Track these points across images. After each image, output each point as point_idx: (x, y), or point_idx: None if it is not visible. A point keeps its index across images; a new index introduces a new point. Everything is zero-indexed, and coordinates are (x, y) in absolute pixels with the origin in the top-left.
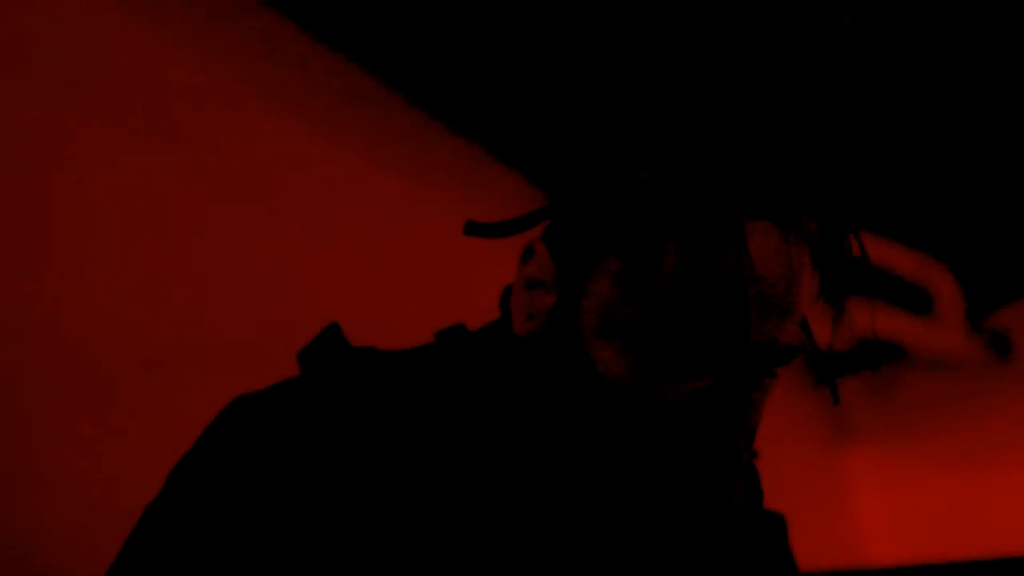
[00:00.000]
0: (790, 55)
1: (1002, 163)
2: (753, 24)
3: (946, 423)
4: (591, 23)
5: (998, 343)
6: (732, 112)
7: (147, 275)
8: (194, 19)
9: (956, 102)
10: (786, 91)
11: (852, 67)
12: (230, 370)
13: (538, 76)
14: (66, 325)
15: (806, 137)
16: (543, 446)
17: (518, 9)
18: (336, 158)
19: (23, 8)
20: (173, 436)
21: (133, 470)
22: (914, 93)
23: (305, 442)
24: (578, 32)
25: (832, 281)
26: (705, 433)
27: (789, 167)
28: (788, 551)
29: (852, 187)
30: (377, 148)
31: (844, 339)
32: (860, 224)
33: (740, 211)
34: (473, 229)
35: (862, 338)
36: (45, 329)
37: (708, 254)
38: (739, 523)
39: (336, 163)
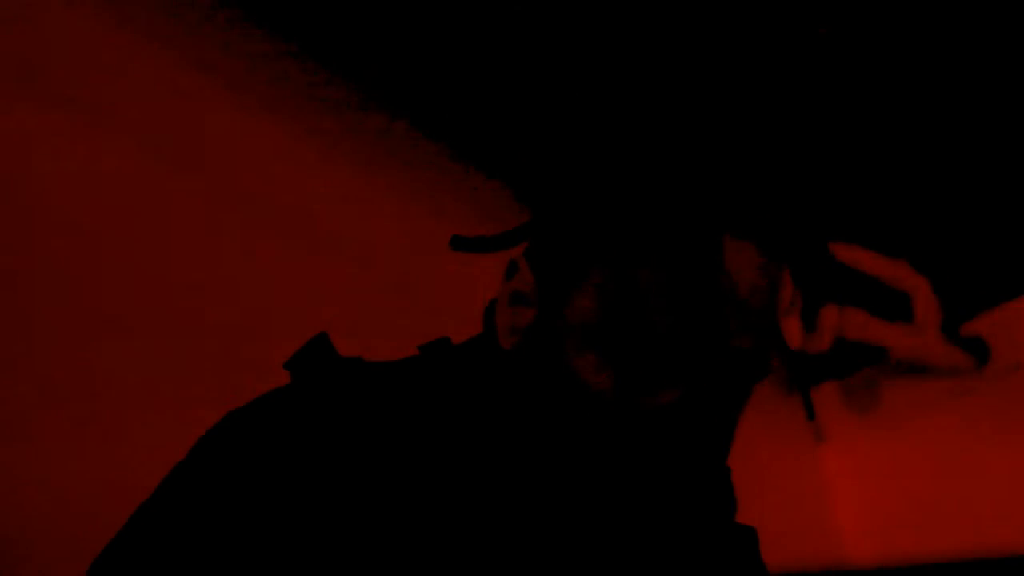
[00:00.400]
0: (767, 67)
1: (980, 170)
2: (730, 39)
3: (923, 427)
4: (575, 38)
5: (975, 349)
6: (710, 130)
7: (135, 278)
8: (197, 35)
9: (932, 112)
10: (763, 106)
11: (830, 78)
12: (218, 372)
13: (524, 90)
14: (58, 327)
15: (783, 153)
16: (526, 455)
17: (501, 23)
18: (325, 167)
19: (17, 16)
20: (161, 436)
21: (121, 473)
22: (890, 103)
23: (293, 451)
24: (563, 47)
25: (808, 291)
26: (680, 442)
27: (766, 184)
28: (760, 564)
29: (828, 198)
30: (366, 159)
31: (819, 346)
32: (835, 235)
33: (717, 229)
34: (460, 244)
35: (839, 342)
36: (38, 330)
37: (685, 270)
38: (711, 533)
39: (325, 172)
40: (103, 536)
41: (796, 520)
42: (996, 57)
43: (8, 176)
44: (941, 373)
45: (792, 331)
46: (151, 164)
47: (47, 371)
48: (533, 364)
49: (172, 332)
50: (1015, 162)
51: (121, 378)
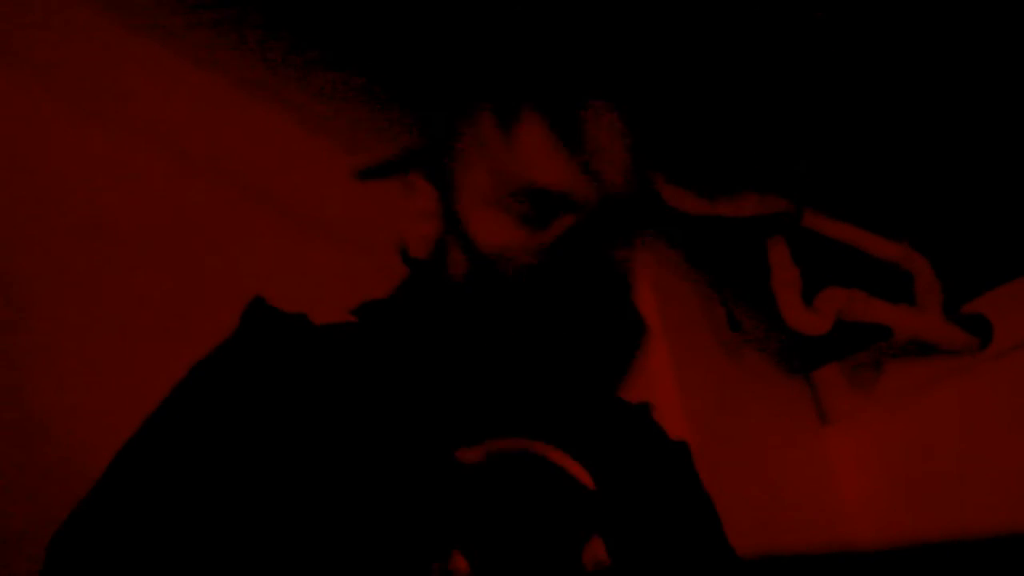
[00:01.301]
0: (763, 53)
1: (980, 150)
2: (726, 24)
3: (926, 407)
4: None
5: (978, 328)
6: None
7: (143, 269)
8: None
9: (930, 92)
10: (761, 90)
11: (827, 62)
12: None
13: None
14: (61, 319)
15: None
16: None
17: None
18: (328, 157)
19: (19, 9)
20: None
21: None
22: (887, 85)
23: (252, 401)
24: None
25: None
26: (584, 278)
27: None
28: (694, 473)
29: (829, 180)
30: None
31: (821, 328)
32: (837, 215)
33: (571, 95)
34: (368, 173)
35: (841, 323)
36: (41, 318)
37: (558, 123)
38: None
39: (329, 162)
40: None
41: (801, 501)
42: (995, 37)
43: (26, 171)
44: (944, 353)
45: (793, 310)
46: (157, 156)
47: (47, 349)
48: (444, 265)
49: (178, 319)
50: (1015, 141)
51: (127, 365)
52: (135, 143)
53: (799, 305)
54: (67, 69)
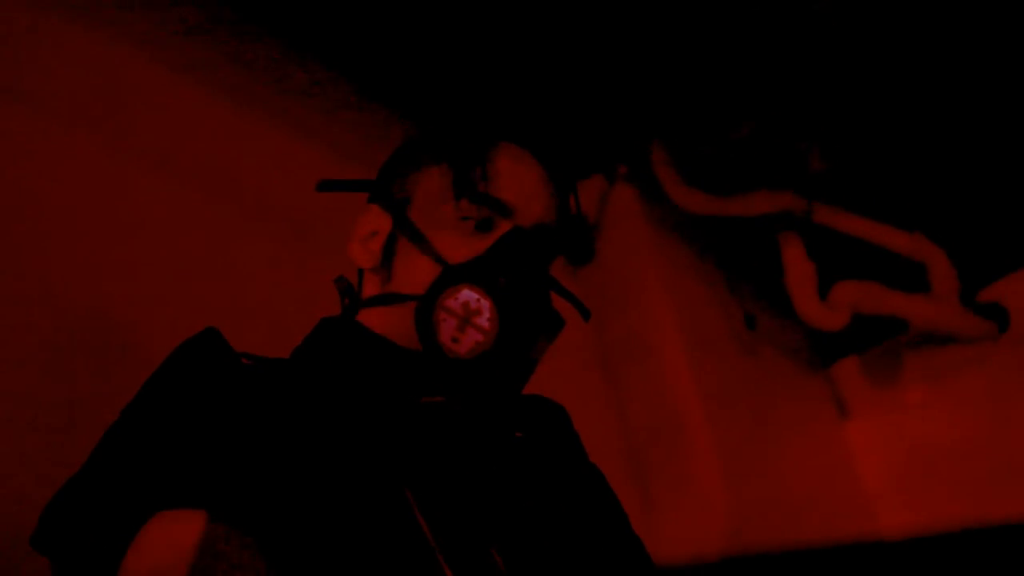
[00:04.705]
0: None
1: (992, 136)
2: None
3: (946, 396)
4: None
5: (995, 315)
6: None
7: (136, 278)
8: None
9: (943, 80)
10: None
11: (831, 52)
12: None
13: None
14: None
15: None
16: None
17: None
18: (320, 165)
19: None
20: None
21: None
22: (901, 72)
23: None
24: None
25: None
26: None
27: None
28: (574, 435)
29: (841, 173)
30: (357, 153)
31: (837, 323)
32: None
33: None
34: (326, 186)
35: (857, 317)
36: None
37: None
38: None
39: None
40: None
41: (822, 495)
42: (1004, 28)
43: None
44: (961, 341)
45: (809, 305)
46: (148, 168)
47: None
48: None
49: (171, 327)
50: None
51: (126, 371)
52: (127, 154)
53: (815, 301)
54: (55, 84)
